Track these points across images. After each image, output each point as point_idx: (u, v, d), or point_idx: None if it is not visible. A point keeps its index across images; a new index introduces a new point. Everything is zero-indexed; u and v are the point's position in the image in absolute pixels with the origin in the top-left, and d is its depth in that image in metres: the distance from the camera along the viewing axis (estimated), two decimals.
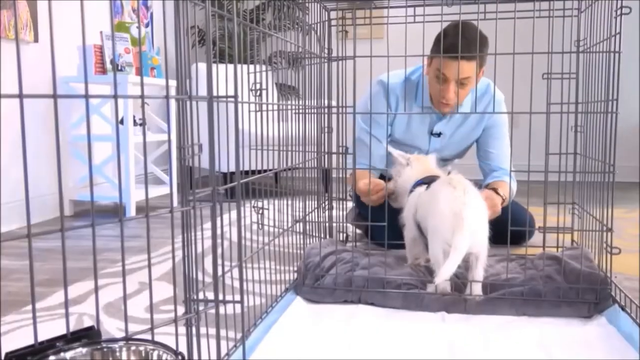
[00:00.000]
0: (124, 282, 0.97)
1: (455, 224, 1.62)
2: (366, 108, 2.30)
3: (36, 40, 3.11)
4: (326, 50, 2.20)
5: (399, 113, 2.34)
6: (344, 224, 2.41)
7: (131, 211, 3.31)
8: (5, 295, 1.90)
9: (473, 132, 2.44)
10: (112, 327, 1.61)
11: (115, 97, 0.91)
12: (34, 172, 3.16)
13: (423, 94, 2.33)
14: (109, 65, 3.35)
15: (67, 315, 0.91)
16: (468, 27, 2.01)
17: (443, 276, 1.57)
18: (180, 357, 0.92)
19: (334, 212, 2.34)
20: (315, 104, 2.14)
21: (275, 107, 2.04)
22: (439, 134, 2.41)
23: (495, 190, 2.24)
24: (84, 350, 0.90)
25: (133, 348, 0.94)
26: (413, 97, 2.36)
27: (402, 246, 2.03)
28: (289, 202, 2.02)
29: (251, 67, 2.80)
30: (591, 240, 1.84)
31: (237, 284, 1.80)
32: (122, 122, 3.31)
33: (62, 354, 0.88)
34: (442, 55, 2.06)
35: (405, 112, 2.34)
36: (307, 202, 2.07)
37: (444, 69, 2.11)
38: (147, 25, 4.35)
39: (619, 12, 1.59)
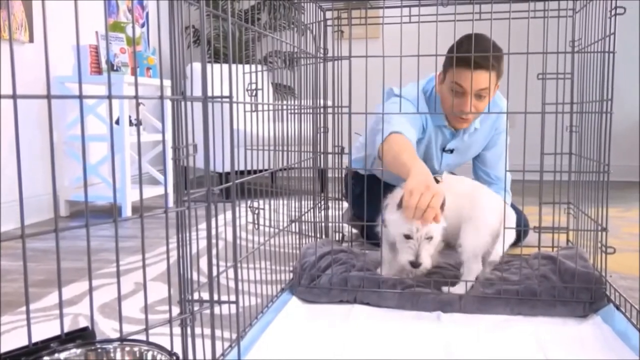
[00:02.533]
0: (118, 282, 0.97)
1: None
2: (390, 116, 2.09)
3: (31, 40, 3.11)
4: (322, 50, 2.20)
5: (392, 113, 2.33)
6: (340, 224, 2.41)
7: (127, 211, 3.30)
8: (1, 296, 1.90)
9: (481, 145, 2.42)
10: (107, 328, 1.61)
11: (109, 97, 0.91)
12: (30, 172, 3.16)
13: (435, 109, 2.24)
14: (104, 65, 3.35)
15: (61, 316, 0.91)
16: (482, 38, 1.96)
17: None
18: (174, 358, 0.92)
19: (329, 212, 2.34)
20: (311, 104, 2.14)
21: (271, 107, 2.04)
22: (451, 151, 2.37)
23: None
24: (78, 351, 0.90)
25: (127, 349, 0.94)
26: (432, 115, 2.29)
27: None
28: (285, 202, 2.02)
29: (247, 67, 2.80)
30: (586, 239, 1.85)
31: (232, 284, 1.80)
32: (117, 122, 3.30)
33: (56, 355, 0.88)
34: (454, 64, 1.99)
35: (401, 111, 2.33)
36: (303, 202, 2.07)
37: (460, 80, 2.04)
38: (142, 25, 4.34)
39: (613, 12, 1.59)
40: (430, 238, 1.68)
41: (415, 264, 1.67)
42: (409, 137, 2.02)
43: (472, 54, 1.79)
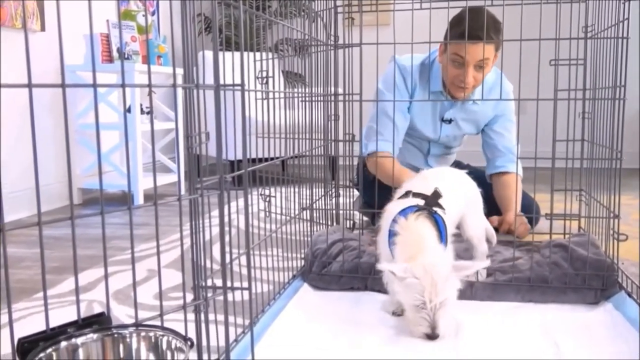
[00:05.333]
0: (133, 269, 0.98)
1: None
2: (384, 90, 2.27)
3: (43, 29, 3.12)
4: (332, 38, 2.19)
5: (401, 100, 2.33)
6: (351, 212, 2.42)
7: (139, 199, 3.32)
8: (15, 283, 1.92)
9: (482, 121, 2.42)
10: (121, 314, 1.63)
11: (123, 86, 0.92)
12: (41, 160, 3.18)
13: (430, 80, 2.30)
14: (115, 54, 3.36)
15: (77, 301, 0.92)
16: (482, 11, 1.99)
17: None
18: (189, 343, 0.93)
19: (340, 199, 2.34)
20: (322, 91, 2.14)
21: (282, 94, 2.05)
22: (449, 121, 2.39)
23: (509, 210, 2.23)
24: (94, 336, 0.91)
25: (143, 334, 0.95)
26: (426, 82, 2.33)
27: None
28: (296, 190, 2.03)
29: (257, 54, 2.80)
30: (598, 226, 1.84)
31: (244, 271, 1.82)
32: (129, 110, 3.31)
33: (73, 340, 0.89)
34: (460, 40, 2.03)
35: (415, 100, 2.33)
36: (314, 190, 2.08)
37: (461, 52, 2.08)
38: (153, 13, 4.34)
39: None
40: (443, 304, 1.41)
41: (433, 337, 1.40)
42: (393, 150, 2.17)
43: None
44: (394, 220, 1.52)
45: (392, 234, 1.52)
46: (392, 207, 1.60)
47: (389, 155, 2.17)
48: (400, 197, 1.66)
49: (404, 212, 1.54)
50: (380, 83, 2.30)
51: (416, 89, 2.32)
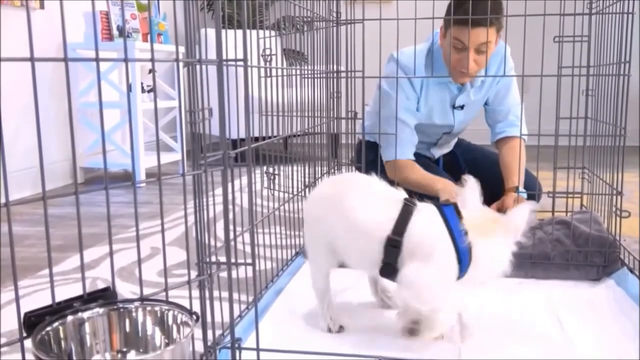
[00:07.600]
0: (137, 243, 0.98)
1: None
2: (389, 93, 2.15)
3: (42, 7, 3.10)
4: (335, 14, 2.17)
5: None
6: None
7: (141, 177, 3.33)
8: (19, 261, 1.93)
9: (488, 94, 2.40)
10: (125, 291, 1.63)
11: (125, 60, 0.91)
12: (43, 139, 3.17)
13: (438, 70, 2.25)
14: (115, 32, 3.34)
15: (83, 275, 0.92)
16: None
17: None
18: (194, 317, 0.93)
19: None
20: (323, 68, 2.13)
21: (284, 72, 2.03)
22: (462, 107, 2.35)
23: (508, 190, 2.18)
24: (100, 310, 0.92)
25: (149, 308, 0.96)
26: (430, 73, 2.27)
27: None
28: (299, 168, 2.03)
29: (260, 33, 2.78)
30: (601, 204, 1.84)
31: (248, 249, 1.82)
32: (130, 88, 3.30)
33: (79, 314, 0.90)
34: (455, 20, 2.01)
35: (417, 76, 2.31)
36: (316, 168, 2.07)
37: (462, 37, 2.04)
38: None
39: None
40: None
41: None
42: (412, 156, 2.21)
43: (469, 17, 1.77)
44: None
45: None
46: None
47: (409, 162, 2.18)
48: None
49: None
50: (384, 83, 2.19)
51: (423, 84, 2.25)
